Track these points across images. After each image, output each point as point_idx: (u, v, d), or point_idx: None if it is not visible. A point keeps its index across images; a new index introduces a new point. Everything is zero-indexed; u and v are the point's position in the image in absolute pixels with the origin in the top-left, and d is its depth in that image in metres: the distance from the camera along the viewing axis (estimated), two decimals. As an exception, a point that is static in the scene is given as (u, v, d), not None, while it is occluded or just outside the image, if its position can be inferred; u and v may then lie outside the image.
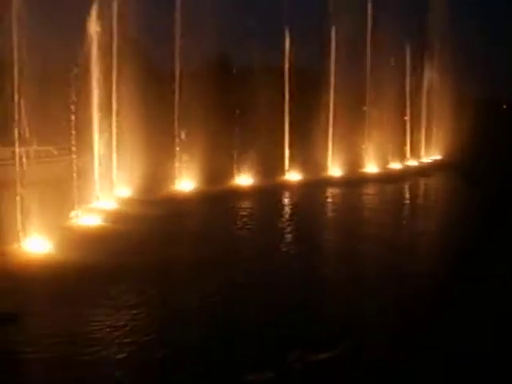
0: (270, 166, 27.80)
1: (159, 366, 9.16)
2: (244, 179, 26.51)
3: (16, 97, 15.40)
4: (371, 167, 31.57)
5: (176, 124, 24.39)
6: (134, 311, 11.53)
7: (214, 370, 9.18)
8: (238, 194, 24.97)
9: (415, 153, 36.03)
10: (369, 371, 9.22)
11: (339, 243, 18.14)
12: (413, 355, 9.73)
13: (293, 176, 28.30)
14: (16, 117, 15.49)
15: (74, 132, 18.67)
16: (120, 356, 9.60)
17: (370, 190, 28.26)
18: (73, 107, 18.35)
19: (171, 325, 11.01)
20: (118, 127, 22.01)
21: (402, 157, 34.45)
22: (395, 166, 33.26)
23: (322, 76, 30.04)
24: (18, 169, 15.73)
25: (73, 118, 18.37)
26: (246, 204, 23.75)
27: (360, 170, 31.19)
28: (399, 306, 11.99)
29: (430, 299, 12.53)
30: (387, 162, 32.69)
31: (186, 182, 24.71)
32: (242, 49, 26.80)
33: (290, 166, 28.61)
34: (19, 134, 15.67)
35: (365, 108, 31.84)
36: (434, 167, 35.11)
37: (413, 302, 12.23)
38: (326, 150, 30.04)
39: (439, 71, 36.59)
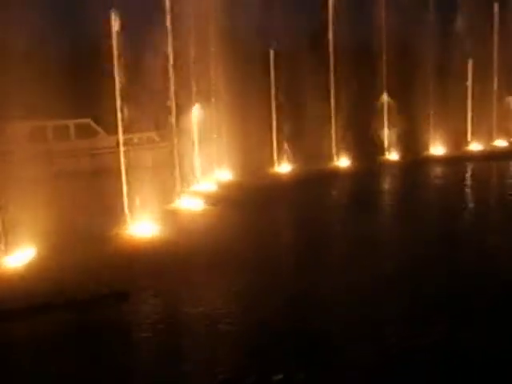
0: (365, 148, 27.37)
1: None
2: (342, 161, 26.35)
3: (118, 86, 15.92)
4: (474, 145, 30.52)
5: (273, 106, 24.66)
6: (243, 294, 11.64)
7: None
8: (337, 175, 24.88)
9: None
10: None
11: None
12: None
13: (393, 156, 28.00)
14: (119, 106, 16.03)
15: (174, 117, 19.22)
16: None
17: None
18: (172, 93, 18.89)
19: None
20: (216, 111, 22.46)
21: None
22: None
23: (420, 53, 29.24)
24: (122, 156, 16.33)
25: (173, 103, 18.94)
26: (353, 185, 23.52)
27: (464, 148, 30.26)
28: None
29: None
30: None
31: (285, 164, 24.97)
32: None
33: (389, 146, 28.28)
34: (122, 122, 16.20)
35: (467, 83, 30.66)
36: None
37: None
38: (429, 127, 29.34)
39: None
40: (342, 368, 8.45)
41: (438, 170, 26.43)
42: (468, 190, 22.58)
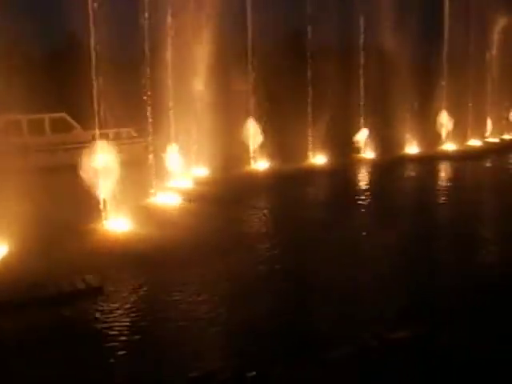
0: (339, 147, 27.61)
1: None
2: (318, 158, 26.58)
3: (95, 81, 15.87)
4: (449, 145, 30.95)
5: (252, 102, 24.78)
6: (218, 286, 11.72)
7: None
8: (314, 172, 25.06)
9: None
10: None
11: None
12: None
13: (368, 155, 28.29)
14: (95, 100, 15.97)
15: (151, 113, 19.21)
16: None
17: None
18: (149, 88, 18.87)
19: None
20: (194, 107, 22.49)
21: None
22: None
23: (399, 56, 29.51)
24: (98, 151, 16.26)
25: (150, 99, 18.93)
26: (325, 182, 23.71)
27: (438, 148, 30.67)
28: None
29: None
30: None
31: (261, 161, 25.12)
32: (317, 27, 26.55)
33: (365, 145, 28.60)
34: (99, 117, 16.15)
35: (443, 83, 31.02)
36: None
37: None
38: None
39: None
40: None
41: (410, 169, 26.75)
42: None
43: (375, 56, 28.34)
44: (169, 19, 20.97)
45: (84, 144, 24.13)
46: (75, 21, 16.63)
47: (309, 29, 25.97)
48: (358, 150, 28.51)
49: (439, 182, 24.15)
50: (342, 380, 7.99)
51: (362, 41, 28.13)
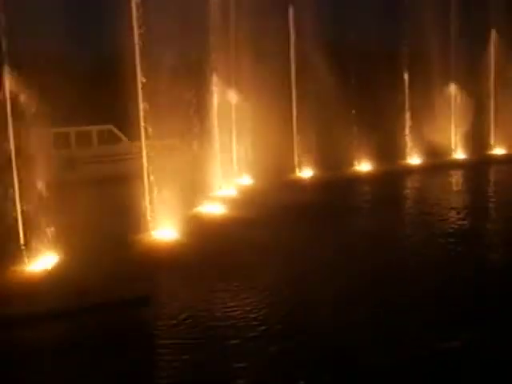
0: (387, 152, 27.27)
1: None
2: (364, 165, 26.40)
3: (140, 93, 16.08)
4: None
5: (294, 112, 24.80)
6: (266, 294, 11.65)
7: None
8: (360, 180, 24.90)
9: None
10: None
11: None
12: None
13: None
14: (141, 113, 16.18)
15: (196, 124, 19.39)
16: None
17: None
18: (194, 100, 19.05)
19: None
20: (237, 117, 22.61)
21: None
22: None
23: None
24: (145, 162, 16.47)
25: (194, 110, 19.10)
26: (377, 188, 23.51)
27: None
28: None
29: None
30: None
31: (306, 169, 25.10)
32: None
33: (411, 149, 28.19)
34: (145, 129, 16.34)
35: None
36: None
37: None
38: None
39: None
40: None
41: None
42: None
43: (419, 59, 27.94)
44: (213, 30, 21.20)
45: (131, 155, 24.72)
46: (121, 33, 16.88)
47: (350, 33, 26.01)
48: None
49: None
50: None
51: (405, 44, 27.77)
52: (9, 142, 12.89)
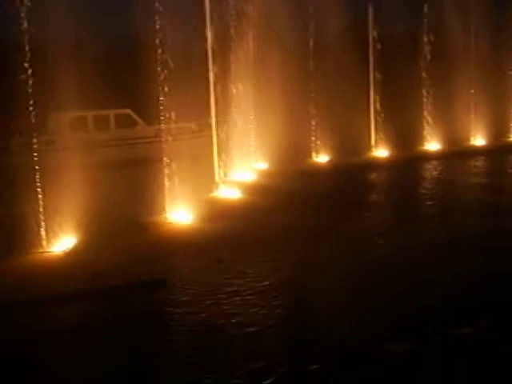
0: (405, 138, 27.09)
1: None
2: (381, 151, 26.26)
3: (157, 76, 16.11)
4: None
5: (312, 96, 24.73)
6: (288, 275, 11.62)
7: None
8: (376, 165, 24.81)
9: None
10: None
11: None
12: None
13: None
14: (159, 96, 16.22)
15: (213, 108, 19.39)
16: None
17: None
18: (212, 83, 19.07)
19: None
20: (255, 102, 22.59)
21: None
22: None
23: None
24: (162, 146, 16.54)
25: (212, 94, 19.11)
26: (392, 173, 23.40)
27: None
28: None
29: None
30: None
31: (323, 154, 25.03)
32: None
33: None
34: (162, 113, 16.40)
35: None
36: None
37: None
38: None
39: None
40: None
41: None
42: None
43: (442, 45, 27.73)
44: (231, 14, 21.18)
45: (148, 139, 24.88)
46: (139, 16, 16.93)
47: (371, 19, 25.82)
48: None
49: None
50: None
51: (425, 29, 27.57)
52: (30, 124, 12.99)
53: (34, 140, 13.09)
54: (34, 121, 12.92)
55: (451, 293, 10.28)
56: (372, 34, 25.91)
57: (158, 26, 16.00)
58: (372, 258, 12.42)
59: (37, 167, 13.06)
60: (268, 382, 7.67)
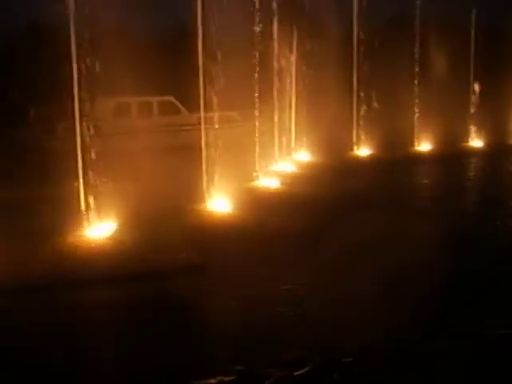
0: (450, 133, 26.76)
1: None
2: (424, 146, 26.04)
3: (201, 65, 16.16)
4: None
5: (355, 88, 24.58)
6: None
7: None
8: (418, 160, 24.57)
9: None
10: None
11: None
12: None
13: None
14: (202, 85, 16.29)
15: (256, 97, 19.45)
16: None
17: None
18: (256, 74, 19.12)
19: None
20: (297, 92, 22.58)
21: None
22: None
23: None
24: (203, 134, 16.63)
25: (256, 84, 19.17)
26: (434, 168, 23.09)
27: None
28: None
29: None
30: None
31: (364, 147, 24.91)
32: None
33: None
34: (205, 101, 16.46)
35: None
36: None
37: None
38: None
39: None
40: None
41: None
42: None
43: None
44: (275, 5, 21.16)
45: (189, 127, 25.02)
46: (190, 4, 16.98)
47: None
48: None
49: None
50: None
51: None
52: (74, 109, 13.14)
53: (81, 124, 13.20)
54: (81, 106, 13.06)
55: None
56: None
57: (202, 14, 16.02)
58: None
59: (80, 151, 13.20)
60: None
